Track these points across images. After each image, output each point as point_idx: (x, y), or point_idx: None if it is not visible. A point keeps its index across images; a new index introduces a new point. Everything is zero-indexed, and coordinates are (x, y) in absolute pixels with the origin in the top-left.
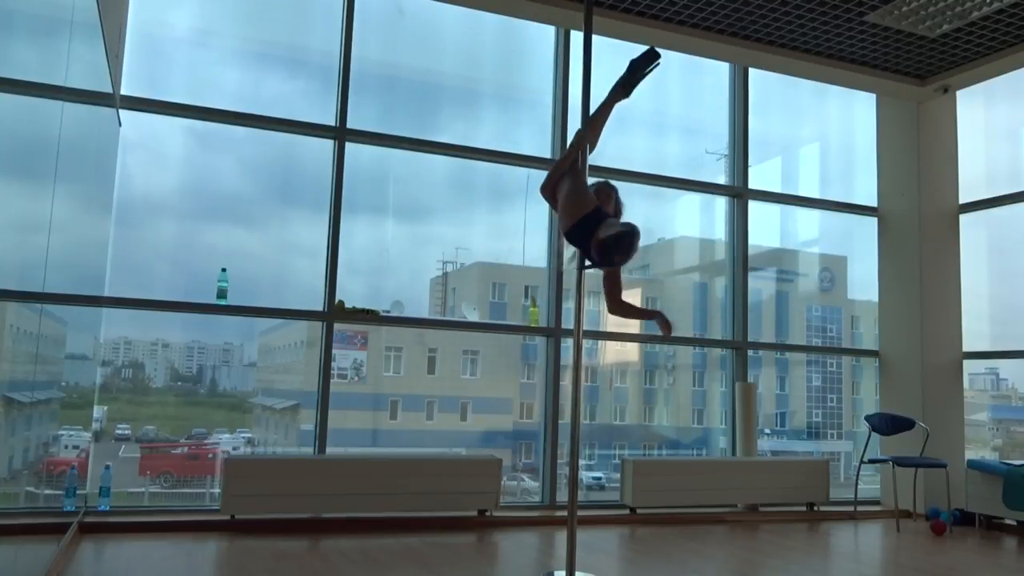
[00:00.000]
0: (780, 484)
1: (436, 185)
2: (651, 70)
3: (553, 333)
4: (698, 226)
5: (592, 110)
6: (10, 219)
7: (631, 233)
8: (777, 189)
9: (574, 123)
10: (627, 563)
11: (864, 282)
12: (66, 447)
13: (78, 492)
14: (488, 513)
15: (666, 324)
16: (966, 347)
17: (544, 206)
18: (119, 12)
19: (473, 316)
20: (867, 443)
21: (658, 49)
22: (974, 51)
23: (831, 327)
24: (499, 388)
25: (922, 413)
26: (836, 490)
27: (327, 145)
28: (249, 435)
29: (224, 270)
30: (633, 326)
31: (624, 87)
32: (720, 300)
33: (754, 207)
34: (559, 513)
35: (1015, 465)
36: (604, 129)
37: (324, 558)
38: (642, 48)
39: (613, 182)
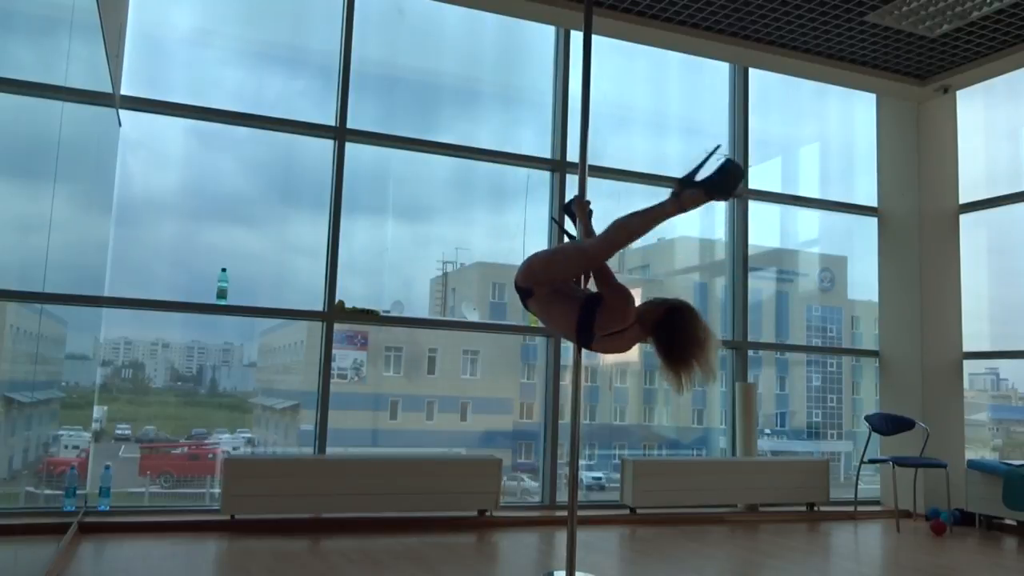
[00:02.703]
0: (780, 484)
1: (436, 185)
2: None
3: (553, 333)
4: (698, 226)
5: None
6: (10, 219)
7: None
8: (777, 189)
9: (574, 123)
10: (627, 563)
11: (864, 282)
12: (66, 447)
13: (78, 492)
14: (488, 513)
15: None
16: (966, 347)
17: (544, 206)
18: (119, 12)
19: (473, 316)
20: (867, 443)
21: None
22: (974, 51)
23: (831, 327)
24: (499, 388)
25: (922, 413)
26: (836, 490)
27: (327, 145)
28: (249, 435)
29: (224, 270)
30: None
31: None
32: (720, 300)
33: (754, 207)
34: (559, 513)
35: (1015, 465)
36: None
37: (324, 558)
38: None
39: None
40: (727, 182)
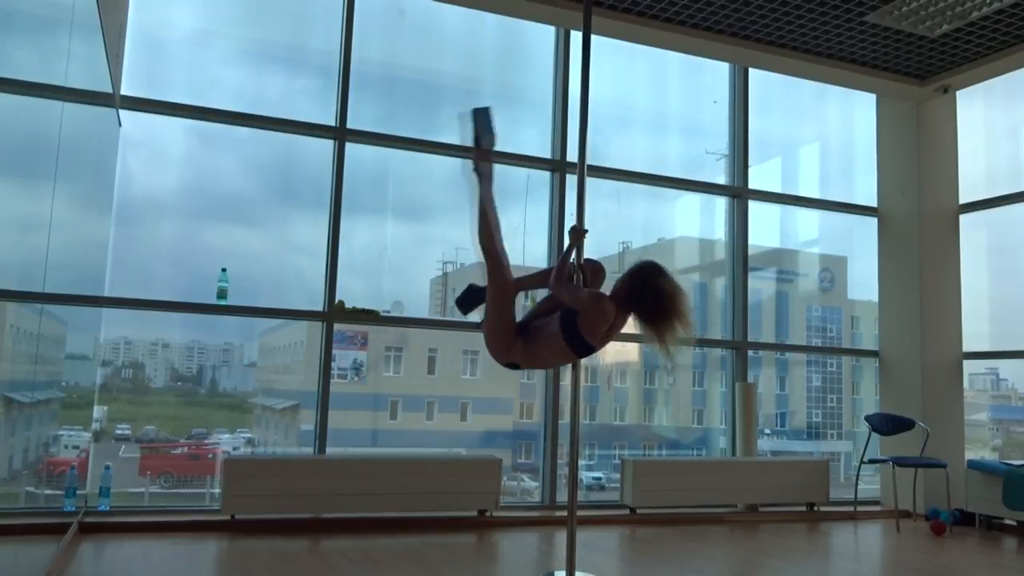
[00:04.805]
0: (780, 484)
1: (436, 185)
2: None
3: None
4: (698, 226)
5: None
6: (10, 219)
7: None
8: (777, 189)
9: (574, 123)
10: (627, 563)
11: (864, 282)
12: (66, 447)
13: (78, 492)
14: (488, 513)
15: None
16: (966, 347)
17: (544, 206)
18: (119, 12)
19: (473, 316)
20: (867, 443)
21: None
22: (974, 51)
23: (831, 327)
24: (499, 388)
25: (922, 413)
26: (836, 490)
27: (327, 145)
28: (249, 435)
29: (224, 270)
30: (633, 326)
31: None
32: (720, 300)
33: (754, 207)
34: (559, 513)
35: (1015, 465)
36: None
37: (324, 558)
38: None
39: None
40: (479, 124)
